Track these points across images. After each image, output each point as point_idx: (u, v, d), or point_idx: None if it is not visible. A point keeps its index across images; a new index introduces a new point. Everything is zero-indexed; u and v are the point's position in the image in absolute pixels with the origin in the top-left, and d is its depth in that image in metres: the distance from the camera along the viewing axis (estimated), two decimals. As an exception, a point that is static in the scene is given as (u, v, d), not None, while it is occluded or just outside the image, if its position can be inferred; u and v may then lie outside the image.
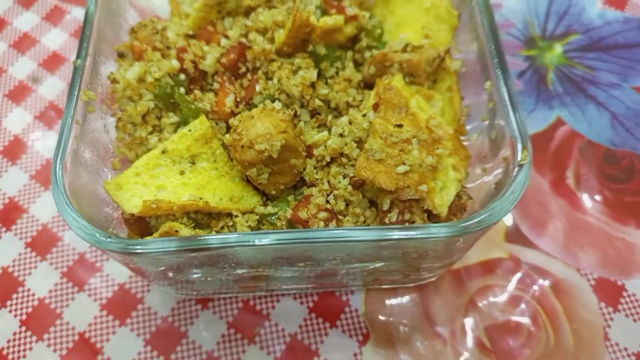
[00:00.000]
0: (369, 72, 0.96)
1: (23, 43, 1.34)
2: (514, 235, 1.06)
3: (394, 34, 1.07)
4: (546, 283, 1.01)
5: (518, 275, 1.02)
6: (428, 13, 1.04)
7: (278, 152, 0.80)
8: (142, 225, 0.86)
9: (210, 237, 0.70)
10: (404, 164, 0.80)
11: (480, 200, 0.86)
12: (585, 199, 1.11)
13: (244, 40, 0.95)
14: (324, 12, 1.00)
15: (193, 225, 0.83)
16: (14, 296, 1.06)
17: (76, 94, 0.81)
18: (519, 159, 0.74)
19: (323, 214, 0.81)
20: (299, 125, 0.87)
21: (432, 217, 0.83)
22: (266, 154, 0.80)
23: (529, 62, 1.29)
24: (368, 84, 0.98)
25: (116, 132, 0.92)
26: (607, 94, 1.23)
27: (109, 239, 0.70)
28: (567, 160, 1.15)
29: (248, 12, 1.01)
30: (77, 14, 1.39)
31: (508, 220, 1.08)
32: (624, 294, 1.00)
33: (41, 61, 1.31)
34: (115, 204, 0.86)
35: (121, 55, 0.95)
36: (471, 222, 0.70)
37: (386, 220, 0.81)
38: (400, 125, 0.85)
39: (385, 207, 0.82)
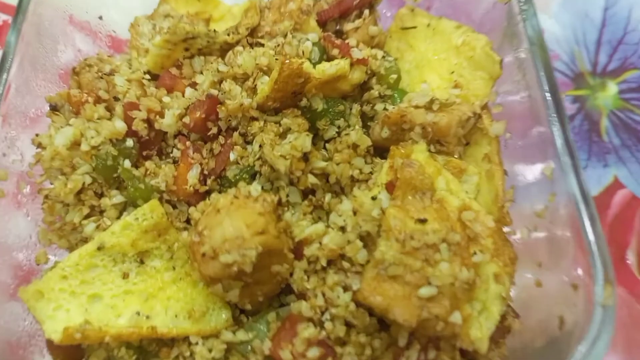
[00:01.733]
0: (382, 134, 0.73)
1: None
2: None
3: (414, 77, 0.84)
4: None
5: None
6: (459, 54, 0.80)
7: (253, 264, 0.57)
8: (69, 349, 0.63)
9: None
10: (430, 283, 0.57)
11: (530, 323, 0.63)
12: (653, 289, 0.87)
13: (215, 91, 0.71)
14: (324, 52, 0.77)
15: (135, 357, 0.61)
16: None
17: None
18: (599, 296, 0.51)
19: (314, 352, 0.58)
20: (285, 218, 0.64)
21: (466, 352, 0.60)
22: (235, 267, 0.57)
23: (578, 104, 1.05)
24: (380, 149, 0.74)
25: (43, 213, 0.69)
26: (675, 147, 0.99)
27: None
28: (627, 235, 0.92)
29: (225, 49, 0.78)
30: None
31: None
32: None
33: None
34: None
35: (54, 108, 0.72)
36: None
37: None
38: (423, 220, 0.62)
39: (402, 342, 0.59)
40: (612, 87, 1.07)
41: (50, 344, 0.63)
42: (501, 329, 0.65)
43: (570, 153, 0.59)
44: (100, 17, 0.86)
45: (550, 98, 0.64)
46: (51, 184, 0.69)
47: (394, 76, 0.79)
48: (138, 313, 0.62)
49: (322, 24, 0.84)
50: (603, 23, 1.15)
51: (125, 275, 0.65)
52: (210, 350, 0.61)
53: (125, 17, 0.87)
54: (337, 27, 0.84)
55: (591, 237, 0.54)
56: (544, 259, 0.64)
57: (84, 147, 0.66)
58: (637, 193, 0.96)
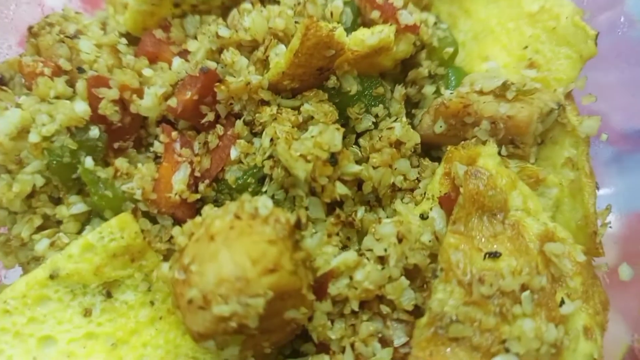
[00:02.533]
0: (436, 129, 0.55)
1: None
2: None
3: (471, 52, 0.66)
4: None
5: None
6: (535, 23, 0.62)
7: (259, 318, 0.40)
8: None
9: None
10: (508, 350, 0.40)
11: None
12: None
13: (213, 63, 0.53)
14: (358, 13, 0.58)
15: None
16: None
17: None
18: None
19: None
20: (304, 245, 0.47)
21: None
22: (234, 322, 0.40)
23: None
24: (428, 146, 0.57)
25: (-17, 221, 0.52)
26: None
27: None
28: None
29: (227, 6, 0.59)
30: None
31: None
32: None
33: None
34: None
35: (1, 82, 0.54)
36: None
37: None
38: (495, 255, 0.45)
39: None
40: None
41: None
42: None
43: None
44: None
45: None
46: (-8, 183, 0.52)
47: (450, 50, 0.61)
48: (102, 367, 0.46)
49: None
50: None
51: (87, 313, 0.49)
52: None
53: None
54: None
55: None
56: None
57: (34, 137, 0.49)
58: None
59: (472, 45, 0.68)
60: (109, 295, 0.50)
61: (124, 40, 0.59)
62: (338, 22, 0.58)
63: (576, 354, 0.49)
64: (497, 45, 0.66)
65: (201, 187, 0.52)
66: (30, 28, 0.62)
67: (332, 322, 0.51)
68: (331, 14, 0.59)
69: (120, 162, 0.51)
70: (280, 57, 0.53)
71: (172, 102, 0.53)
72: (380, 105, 0.58)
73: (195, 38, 0.59)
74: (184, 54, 0.57)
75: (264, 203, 0.48)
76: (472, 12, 0.70)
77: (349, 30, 0.59)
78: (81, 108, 0.50)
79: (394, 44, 0.57)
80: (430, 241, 0.49)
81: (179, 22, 0.60)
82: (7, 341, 0.49)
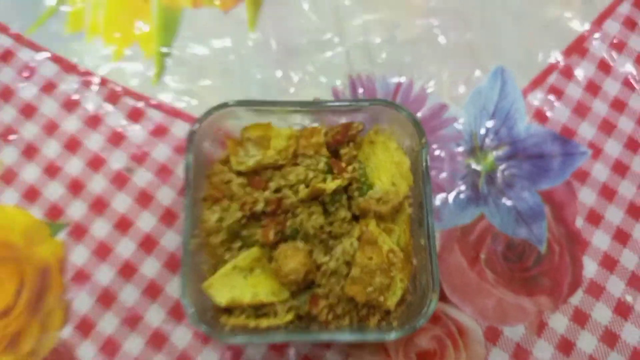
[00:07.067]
0: (356, 212, 1.57)
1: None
2: (441, 295, 1.73)
3: (374, 175, 1.60)
4: (455, 326, 1.70)
5: (439, 321, 1.71)
6: (396, 167, 1.60)
7: (301, 278, 1.45)
8: (224, 309, 1.52)
9: (267, 336, 1.37)
10: (371, 286, 1.45)
11: (415, 297, 1.53)
12: (489, 273, 1.76)
13: (279, 194, 1.54)
14: (330, 167, 1.58)
15: (252, 310, 1.50)
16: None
17: (187, 246, 1.43)
18: (432, 297, 1.39)
19: (324, 310, 1.48)
20: (314, 257, 1.51)
21: (386, 311, 1.51)
22: (293, 280, 1.45)
23: (468, 168, 1.86)
24: (356, 217, 1.60)
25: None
26: (518, 195, 1.83)
27: (210, 332, 1.37)
28: (481, 245, 1.79)
29: (281, 165, 1.59)
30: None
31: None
32: (501, 336, 1.70)
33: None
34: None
35: (204, 199, 1.55)
36: (404, 331, 1.37)
37: (359, 314, 1.49)
38: (371, 258, 1.49)
39: (360, 306, 1.49)
40: (491, 157, 1.87)
41: (215, 306, 1.52)
42: (402, 299, 1.53)
43: (431, 247, 1.45)
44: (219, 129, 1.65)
45: (427, 219, 1.47)
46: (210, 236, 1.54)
47: (364, 179, 1.60)
48: (252, 293, 1.50)
49: (328, 148, 1.64)
50: (493, 114, 1.92)
51: (245, 277, 1.51)
52: (283, 307, 1.50)
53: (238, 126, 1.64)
54: (335, 149, 1.64)
55: (434, 269, 1.41)
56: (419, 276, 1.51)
57: (224, 224, 1.50)
58: (491, 222, 1.81)
59: (375, 171, 1.54)
60: (251, 270, 1.51)
61: (244, 180, 1.59)
62: (322, 172, 1.59)
63: (397, 285, 1.50)
64: (383, 174, 1.59)
65: (278, 235, 1.55)
66: (208, 174, 1.61)
67: (322, 278, 1.55)
68: (320, 168, 1.58)
69: (251, 229, 1.53)
70: (302, 192, 1.52)
71: (266, 210, 1.54)
72: (338, 203, 1.58)
73: (271, 180, 1.59)
74: (267, 187, 1.57)
75: (300, 244, 1.50)
76: (377, 154, 1.60)
77: (327, 172, 1.60)
78: (239, 214, 1.50)
79: (343, 182, 1.58)
80: (352, 252, 1.49)
81: (264, 172, 1.59)
82: (220, 288, 1.52)
